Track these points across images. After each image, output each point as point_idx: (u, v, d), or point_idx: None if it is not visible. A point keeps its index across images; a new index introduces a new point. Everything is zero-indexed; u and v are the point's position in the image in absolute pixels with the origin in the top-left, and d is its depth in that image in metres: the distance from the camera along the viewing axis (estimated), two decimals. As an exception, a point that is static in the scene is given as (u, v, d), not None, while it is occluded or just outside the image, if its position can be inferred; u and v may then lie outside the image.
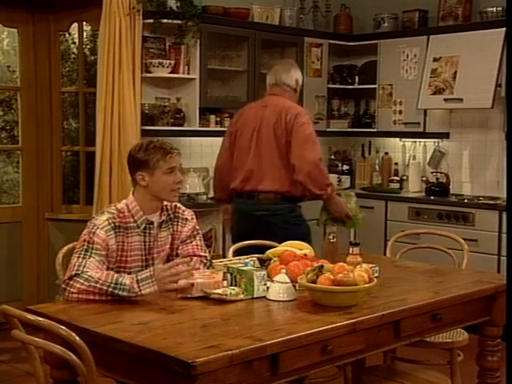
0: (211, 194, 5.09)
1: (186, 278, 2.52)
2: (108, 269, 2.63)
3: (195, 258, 2.82)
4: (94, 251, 2.58)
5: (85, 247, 2.59)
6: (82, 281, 2.48)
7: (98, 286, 2.47)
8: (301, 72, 4.07)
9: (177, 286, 2.49)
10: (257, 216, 3.83)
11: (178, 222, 2.84)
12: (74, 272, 2.51)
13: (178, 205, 2.89)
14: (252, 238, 3.47)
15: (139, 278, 2.47)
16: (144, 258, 2.75)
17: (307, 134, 3.75)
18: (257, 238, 3.45)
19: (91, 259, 2.56)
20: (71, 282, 2.50)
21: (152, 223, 2.75)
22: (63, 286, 2.54)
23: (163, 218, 2.80)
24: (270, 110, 3.85)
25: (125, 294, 2.45)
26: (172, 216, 2.83)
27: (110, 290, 2.45)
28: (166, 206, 2.82)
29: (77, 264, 2.54)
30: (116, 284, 2.46)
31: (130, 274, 2.66)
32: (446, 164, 5.48)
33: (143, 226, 2.73)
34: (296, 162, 3.72)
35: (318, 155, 3.75)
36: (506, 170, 2.32)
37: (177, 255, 2.83)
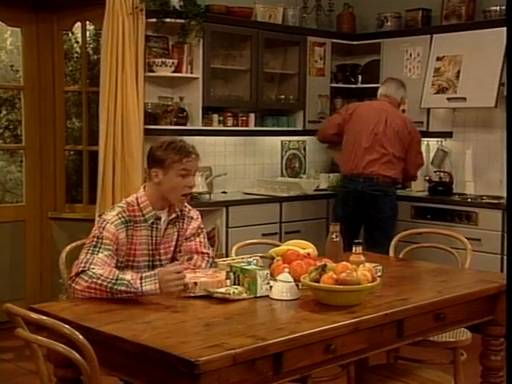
0: (214, 194, 5.11)
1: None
2: (117, 263, 2.64)
3: (196, 256, 2.83)
4: (102, 246, 2.59)
5: (94, 243, 2.60)
6: (86, 278, 2.50)
7: (98, 281, 2.47)
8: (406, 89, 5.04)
9: (179, 289, 2.48)
10: (374, 195, 4.75)
11: (183, 219, 2.86)
12: (80, 269, 2.53)
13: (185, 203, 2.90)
14: (363, 213, 4.80)
15: (143, 275, 2.48)
16: (151, 252, 2.76)
17: (420, 147, 4.98)
18: (369, 213, 4.79)
19: (99, 255, 2.57)
20: (77, 279, 2.52)
21: (160, 218, 2.77)
22: (69, 282, 2.56)
23: (172, 215, 2.81)
24: (391, 115, 4.83)
25: (123, 288, 2.45)
26: (179, 214, 2.85)
27: (110, 285, 2.46)
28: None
29: (84, 260, 2.56)
30: (116, 280, 2.47)
31: (138, 268, 2.69)
32: (450, 163, 5.47)
33: (151, 220, 2.74)
34: (413, 162, 4.90)
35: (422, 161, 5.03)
36: (506, 170, 2.32)
37: (180, 252, 2.84)
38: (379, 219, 4.76)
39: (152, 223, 2.75)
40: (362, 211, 4.80)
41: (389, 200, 4.79)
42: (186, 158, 2.71)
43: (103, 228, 2.62)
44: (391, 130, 4.76)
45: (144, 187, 2.79)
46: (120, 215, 2.67)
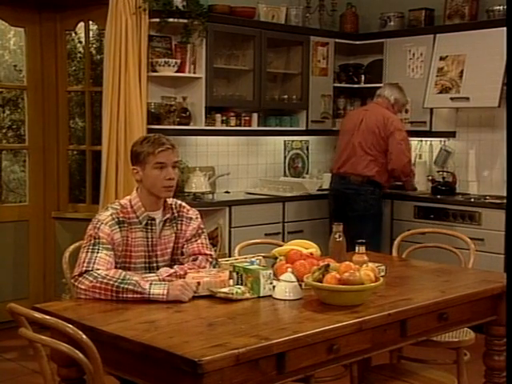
0: (217, 193, 5.12)
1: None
2: (116, 263, 2.64)
3: (200, 257, 2.82)
4: (101, 245, 2.59)
5: (92, 242, 2.60)
6: (91, 278, 2.50)
7: (104, 281, 2.48)
8: (404, 95, 5.12)
9: (186, 299, 2.48)
10: (346, 193, 4.96)
11: (182, 220, 2.84)
12: (84, 268, 2.53)
13: (183, 204, 2.89)
14: (343, 211, 4.94)
15: (152, 282, 2.50)
16: (148, 254, 2.76)
17: (399, 142, 4.92)
18: (346, 211, 4.92)
19: (100, 254, 2.57)
20: (80, 279, 2.52)
21: (154, 219, 2.76)
22: (72, 281, 2.56)
23: (167, 215, 2.80)
24: (369, 113, 4.99)
25: (130, 287, 2.46)
26: (176, 215, 2.83)
27: (116, 284, 2.46)
28: (171, 204, 2.83)
29: (86, 260, 2.55)
30: (123, 279, 2.48)
31: (135, 269, 2.69)
32: (453, 163, 5.47)
33: (145, 222, 2.74)
34: (393, 158, 4.91)
35: (409, 156, 5.01)
36: (506, 170, 2.31)
37: (182, 254, 2.84)
38: (351, 218, 4.86)
39: (146, 224, 2.74)
40: (341, 209, 5.00)
41: (362, 199, 4.94)
42: (158, 149, 2.69)
43: (98, 228, 2.63)
44: (364, 127, 4.94)
45: (137, 189, 2.78)
46: (114, 216, 2.67)
